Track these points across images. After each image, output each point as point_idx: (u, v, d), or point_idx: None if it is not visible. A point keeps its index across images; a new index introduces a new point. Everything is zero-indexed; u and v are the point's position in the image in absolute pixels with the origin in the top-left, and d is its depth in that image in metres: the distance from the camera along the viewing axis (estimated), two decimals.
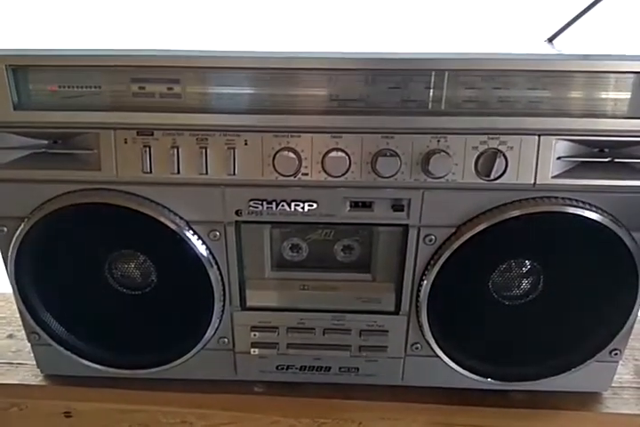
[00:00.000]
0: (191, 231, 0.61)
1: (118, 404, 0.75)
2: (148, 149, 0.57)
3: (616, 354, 0.67)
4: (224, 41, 0.65)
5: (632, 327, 0.65)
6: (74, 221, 0.61)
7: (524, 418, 0.72)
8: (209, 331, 0.66)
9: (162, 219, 0.60)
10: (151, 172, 0.58)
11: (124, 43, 0.61)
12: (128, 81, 0.56)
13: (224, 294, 0.65)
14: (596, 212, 0.59)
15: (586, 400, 0.72)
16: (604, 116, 0.56)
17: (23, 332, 0.70)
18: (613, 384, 0.72)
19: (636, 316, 0.64)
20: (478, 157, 0.57)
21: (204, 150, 0.57)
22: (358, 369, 0.70)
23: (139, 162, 0.58)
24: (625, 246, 0.60)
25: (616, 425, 0.72)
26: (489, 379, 0.69)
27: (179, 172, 0.58)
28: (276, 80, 0.56)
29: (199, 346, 0.67)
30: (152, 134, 0.57)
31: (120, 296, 0.67)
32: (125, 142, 0.57)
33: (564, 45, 0.63)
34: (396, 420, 0.74)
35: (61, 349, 0.68)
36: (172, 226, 0.60)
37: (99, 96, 0.56)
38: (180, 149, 0.57)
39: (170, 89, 0.56)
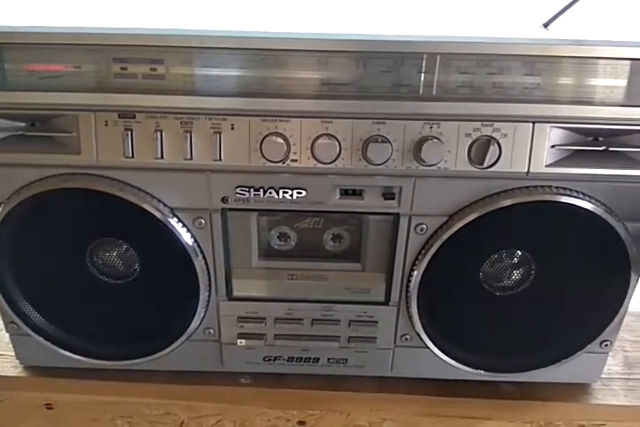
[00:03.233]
0: (175, 219, 0.59)
1: (101, 395, 0.73)
2: (129, 133, 0.55)
3: (606, 345, 0.67)
4: (211, 20, 0.62)
5: (623, 318, 0.65)
6: (53, 206, 0.59)
7: (513, 409, 0.72)
8: (194, 321, 0.65)
9: (145, 205, 0.58)
10: (133, 156, 0.56)
11: (106, 21, 0.58)
12: (109, 61, 0.53)
13: (210, 284, 0.63)
14: (590, 201, 0.58)
15: (575, 391, 0.71)
16: (600, 103, 0.55)
17: (1, 322, 0.68)
18: (602, 375, 0.71)
19: (627, 307, 0.64)
20: (471, 145, 0.56)
21: (188, 134, 0.55)
22: (347, 360, 0.69)
23: (120, 146, 0.56)
24: (617, 236, 0.59)
25: (605, 416, 0.72)
26: (479, 370, 0.68)
27: (162, 156, 0.56)
28: (264, 62, 0.54)
29: (184, 337, 0.66)
30: (134, 117, 0.55)
31: (102, 285, 0.65)
32: (106, 125, 0.55)
33: (560, 31, 0.62)
34: (385, 411, 0.73)
35: (41, 339, 0.66)
36: (156, 213, 0.58)
37: (78, 77, 0.54)
38: (163, 133, 0.55)
39: (153, 70, 0.54)
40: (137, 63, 0.53)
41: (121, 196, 0.57)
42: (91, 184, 0.57)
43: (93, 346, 0.67)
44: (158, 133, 0.55)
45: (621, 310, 0.64)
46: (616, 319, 0.64)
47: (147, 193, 0.58)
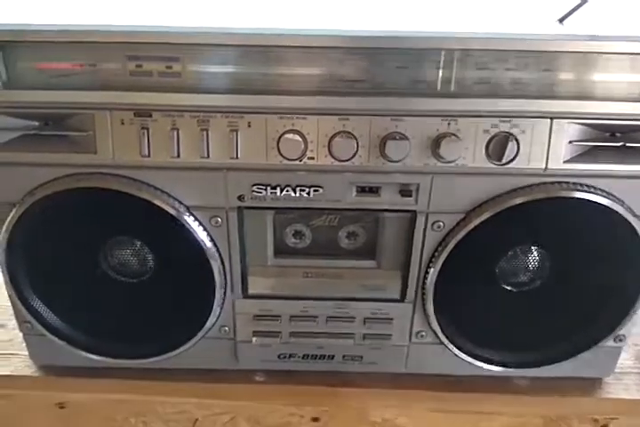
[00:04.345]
0: (192, 217, 0.59)
1: (114, 394, 0.73)
2: (146, 132, 0.55)
3: (620, 340, 0.67)
4: (228, 17, 0.61)
5: (637, 313, 0.65)
6: (68, 206, 0.58)
7: (526, 404, 0.72)
8: (210, 319, 0.65)
9: (161, 204, 0.57)
10: (150, 155, 0.56)
11: (120, 18, 0.57)
12: (124, 59, 0.53)
13: (225, 282, 0.63)
14: (607, 197, 0.58)
15: (588, 386, 0.72)
16: (617, 99, 0.55)
17: (15, 321, 0.68)
18: (616, 370, 0.71)
19: None
20: (489, 141, 0.56)
21: (205, 133, 0.55)
22: (362, 357, 0.69)
23: (136, 145, 0.55)
24: (634, 232, 0.59)
25: (617, 410, 0.72)
26: (493, 366, 0.68)
27: (179, 155, 0.56)
28: (282, 59, 0.53)
29: (200, 335, 0.66)
30: (150, 116, 0.54)
31: (117, 284, 0.65)
32: (122, 124, 0.55)
33: (575, 26, 0.61)
34: (398, 407, 0.73)
35: (55, 339, 0.66)
36: (172, 211, 0.58)
37: (93, 75, 0.53)
38: (180, 132, 0.55)
39: (169, 67, 0.53)
40: (152, 61, 0.53)
41: (138, 195, 0.57)
42: (107, 183, 0.56)
43: (108, 345, 0.67)
44: (175, 132, 0.55)
45: (636, 305, 0.64)
46: (631, 314, 0.64)
47: (163, 192, 0.58)
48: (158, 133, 0.55)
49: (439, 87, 0.55)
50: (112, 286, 0.64)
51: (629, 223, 0.58)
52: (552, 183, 0.57)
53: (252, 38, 0.52)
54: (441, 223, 0.60)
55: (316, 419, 0.75)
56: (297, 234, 0.64)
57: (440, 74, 0.54)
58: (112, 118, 0.55)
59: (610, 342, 0.67)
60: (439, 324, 0.65)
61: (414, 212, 0.60)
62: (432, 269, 0.62)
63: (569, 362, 0.67)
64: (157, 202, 0.57)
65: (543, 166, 0.57)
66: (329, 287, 0.65)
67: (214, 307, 0.64)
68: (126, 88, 0.54)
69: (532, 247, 0.63)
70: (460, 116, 0.55)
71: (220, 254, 0.61)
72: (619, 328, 0.65)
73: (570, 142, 0.56)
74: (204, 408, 0.74)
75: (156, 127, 0.55)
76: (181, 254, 0.61)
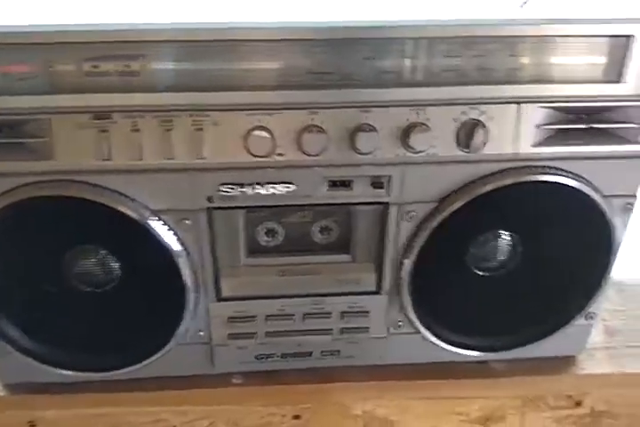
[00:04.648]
0: (159, 221, 0.56)
1: (87, 408, 0.70)
2: (105, 135, 0.52)
3: (591, 318, 0.69)
4: (185, 12, 0.59)
5: (606, 290, 0.67)
6: (29, 216, 0.55)
7: (503, 386, 0.73)
8: (183, 325, 0.62)
9: (125, 210, 0.55)
10: (111, 159, 0.53)
11: (73, 17, 0.54)
12: (79, 59, 0.50)
13: (197, 286, 0.61)
14: (576, 179, 0.58)
15: (562, 364, 0.73)
16: (581, 81, 0.55)
17: None
18: (587, 346, 0.73)
19: (609, 280, 0.66)
20: (459, 129, 0.56)
21: (169, 133, 0.52)
22: (340, 352, 0.69)
23: (97, 149, 0.52)
24: (601, 212, 0.60)
25: (590, 385, 0.75)
26: (470, 351, 0.68)
27: (142, 158, 0.53)
28: (244, 53, 0.51)
29: (173, 342, 0.63)
30: (110, 117, 0.51)
31: (84, 295, 0.61)
32: (80, 128, 0.52)
33: (537, 9, 0.61)
34: (379, 399, 0.74)
35: (21, 355, 0.62)
36: (137, 217, 0.55)
37: (47, 78, 0.50)
38: (141, 133, 0.52)
39: (127, 66, 0.50)
40: (109, 60, 0.50)
41: (100, 201, 0.54)
42: (67, 191, 0.53)
43: (77, 359, 0.64)
44: (136, 134, 0.52)
45: (604, 283, 0.65)
46: (600, 292, 0.66)
47: (127, 197, 0.55)
48: (119, 136, 0.52)
49: (406, 77, 0.54)
50: (78, 296, 0.61)
51: (597, 204, 0.59)
52: (522, 168, 0.58)
53: (212, 33, 0.50)
54: (414, 213, 0.59)
55: (297, 417, 0.74)
56: (269, 232, 0.63)
57: (406, 63, 0.53)
58: (69, 122, 0.51)
59: (581, 321, 0.68)
60: (416, 314, 0.65)
61: (387, 203, 0.59)
62: (406, 260, 0.61)
63: (543, 342, 0.69)
64: (121, 208, 0.54)
65: (512, 152, 0.57)
66: (304, 284, 0.64)
67: (187, 312, 0.61)
68: (83, 90, 0.51)
69: (505, 232, 0.64)
70: (429, 105, 0.54)
71: (190, 258, 0.59)
72: (589, 307, 0.67)
73: (537, 126, 0.56)
74: (181, 415, 0.72)
75: (116, 129, 0.52)
76: (150, 261, 0.58)
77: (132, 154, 0.53)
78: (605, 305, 0.83)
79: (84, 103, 0.51)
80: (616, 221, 0.61)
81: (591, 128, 0.57)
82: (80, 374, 0.65)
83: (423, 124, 0.55)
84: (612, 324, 0.80)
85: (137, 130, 0.52)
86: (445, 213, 0.58)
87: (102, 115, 0.51)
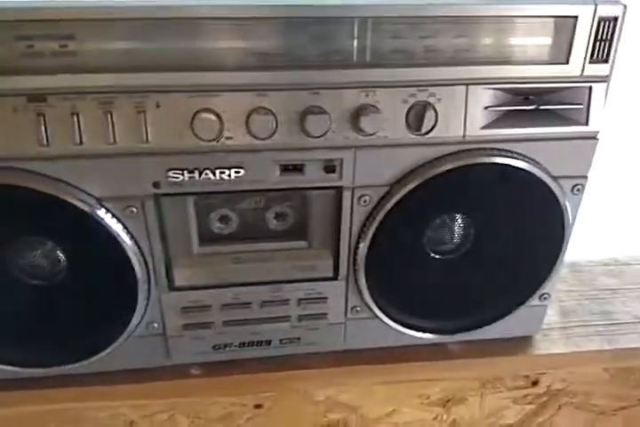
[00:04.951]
0: (103, 209, 0.55)
1: (41, 405, 0.68)
2: (42, 118, 0.50)
3: (545, 298, 0.70)
4: None
5: (559, 270, 0.68)
6: None
7: (461, 368, 0.74)
8: (135, 317, 0.61)
9: (67, 198, 0.52)
10: (49, 144, 0.51)
11: None
12: (11, 39, 0.47)
13: (148, 276, 0.60)
14: (524, 160, 0.59)
15: (518, 344, 0.74)
16: (527, 62, 0.56)
17: None
18: (543, 327, 0.75)
19: (563, 259, 0.67)
20: (408, 111, 0.55)
21: (109, 116, 0.50)
22: (300, 339, 0.68)
23: (33, 134, 0.50)
24: (552, 193, 0.61)
25: (547, 365, 0.76)
26: (427, 334, 0.69)
27: (82, 142, 0.51)
28: (189, 33, 0.49)
29: (125, 334, 0.62)
30: (45, 100, 0.49)
31: (30, 288, 0.59)
32: (15, 111, 0.49)
33: None
34: (341, 384, 0.73)
35: None
36: (80, 205, 0.53)
37: None
38: (80, 116, 0.50)
39: (63, 46, 0.48)
40: (44, 40, 0.47)
41: (39, 189, 0.52)
42: (4, 179, 0.51)
43: (27, 354, 0.62)
44: (75, 117, 0.50)
45: (558, 264, 0.66)
46: (553, 273, 0.67)
47: (68, 184, 0.53)
48: (56, 120, 0.50)
49: (355, 58, 0.53)
50: (24, 290, 0.59)
51: (547, 185, 0.60)
52: (472, 150, 0.58)
53: (154, 11, 0.48)
54: (367, 197, 0.59)
55: (259, 406, 0.74)
56: (222, 219, 0.62)
57: (355, 44, 0.53)
58: (2, 106, 0.49)
59: (535, 301, 0.69)
60: (373, 298, 0.65)
61: (340, 187, 0.58)
62: (362, 244, 0.61)
63: (498, 324, 0.69)
64: (62, 196, 0.52)
65: (462, 134, 0.57)
66: (260, 271, 0.63)
67: (138, 304, 0.60)
68: (16, 72, 0.48)
69: (457, 215, 0.64)
70: (378, 86, 0.54)
71: (139, 247, 0.58)
72: (542, 288, 0.68)
73: (485, 108, 0.57)
74: (140, 409, 0.71)
75: (53, 113, 0.50)
76: (96, 251, 0.56)
77: (70, 139, 0.51)
78: (561, 286, 0.85)
79: (18, 85, 0.48)
80: (566, 202, 0.62)
81: (539, 109, 0.57)
82: (29, 370, 0.62)
83: (373, 106, 0.54)
84: (568, 304, 0.82)
85: (75, 113, 0.50)
86: (397, 197, 0.58)
87: (37, 97, 0.49)
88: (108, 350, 0.63)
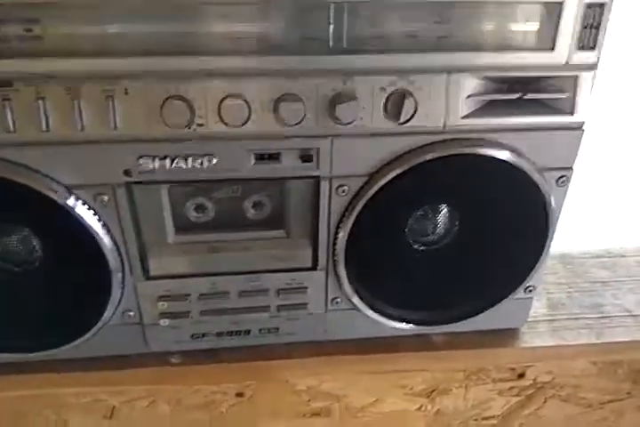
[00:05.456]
0: (73, 198, 0.54)
1: (23, 390, 0.68)
2: (7, 103, 0.49)
3: (530, 291, 0.68)
4: None
5: (544, 263, 0.66)
6: None
7: (445, 359, 0.73)
8: (110, 305, 0.60)
9: (35, 185, 0.52)
10: (15, 130, 0.50)
11: None
12: None
13: (122, 265, 0.59)
14: (506, 151, 0.57)
15: (504, 337, 0.73)
16: (513, 49, 0.54)
17: None
18: (529, 319, 0.73)
19: (548, 252, 0.65)
20: (387, 100, 0.54)
21: (76, 102, 0.49)
22: (279, 329, 0.67)
23: None
24: (535, 185, 0.59)
25: (532, 358, 0.75)
26: (410, 325, 0.68)
27: (48, 128, 0.50)
28: (154, 15, 0.48)
29: (101, 322, 0.61)
30: (11, 85, 0.48)
31: (6, 274, 0.59)
32: None
33: None
34: (323, 374, 0.73)
35: None
36: (49, 193, 0.52)
37: None
38: (46, 101, 0.49)
39: (28, 31, 0.47)
40: (9, 23, 0.46)
41: (7, 177, 0.51)
42: None
43: (4, 339, 0.62)
44: (41, 102, 0.49)
45: (543, 256, 0.65)
46: (538, 265, 0.66)
47: (36, 171, 0.52)
48: (23, 105, 0.49)
49: (331, 44, 0.51)
50: (1, 275, 0.59)
51: (531, 177, 0.58)
52: (453, 140, 0.56)
53: None
54: (345, 187, 0.58)
55: (240, 394, 0.74)
56: (199, 208, 0.61)
57: (331, 29, 0.51)
58: None
59: (520, 294, 0.68)
60: (353, 289, 0.64)
61: (317, 177, 0.57)
62: (340, 235, 0.60)
63: (483, 315, 0.68)
64: (30, 183, 0.52)
65: (442, 123, 0.55)
66: (238, 261, 0.62)
67: (113, 292, 0.59)
68: None
69: (438, 206, 0.62)
70: (355, 74, 0.52)
71: (112, 236, 0.57)
72: (527, 280, 0.67)
73: (468, 97, 0.55)
74: (120, 395, 0.71)
75: (18, 98, 0.49)
76: (68, 239, 0.56)
77: (37, 125, 0.50)
78: (551, 278, 0.83)
79: None
80: (551, 193, 0.60)
81: (523, 98, 0.55)
82: (6, 355, 0.62)
83: (350, 94, 0.53)
84: (557, 297, 0.81)
85: (41, 98, 0.49)
86: (376, 188, 0.57)
87: (3, 82, 0.48)
88: (86, 337, 0.62)
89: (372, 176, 0.57)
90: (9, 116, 0.49)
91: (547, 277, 0.82)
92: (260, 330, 0.67)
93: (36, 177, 0.52)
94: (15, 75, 0.48)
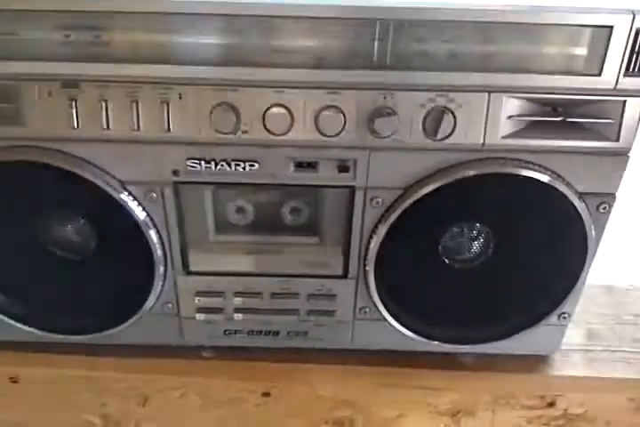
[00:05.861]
0: (126, 192, 0.58)
1: (66, 369, 0.73)
2: (74, 103, 0.53)
3: (564, 318, 0.67)
4: None
5: (580, 291, 0.65)
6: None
7: (472, 381, 0.72)
8: (151, 296, 0.64)
9: (92, 178, 0.56)
10: (79, 127, 0.54)
11: None
12: (51, 27, 0.51)
13: (165, 259, 0.63)
14: (546, 173, 0.57)
15: (534, 363, 0.72)
16: (558, 72, 0.54)
17: None
18: (564, 347, 0.72)
19: (585, 279, 0.64)
20: (426, 116, 0.55)
21: (134, 104, 0.54)
22: (307, 333, 0.69)
23: (65, 117, 0.54)
24: (574, 209, 0.58)
25: (564, 387, 0.73)
26: (436, 342, 0.68)
27: (109, 127, 0.55)
28: (213, 29, 0.52)
29: (142, 311, 0.65)
30: (78, 86, 0.53)
31: (58, 260, 0.64)
32: (49, 95, 0.53)
33: None
34: (346, 382, 0.74)
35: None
36: (104, 186, 0.57)
37: (18, 44, 0.52)
38: (108, 103, 0.54)
39: (97, 37, 0.52)
40: (80, 30, 0.51)
41: (68, 168, 0.56)
42: (35, 156, 0.55)
43: (51, 320, 0.67)
44: (103, 103, 0.54)
45: (579, 282, 0.64)
46: (574, 292, 0.64)
47: (95, 165, 0.57)
48: (87, 105, 0.54)
49: (375, 60, 0.53)
50: (53, 261, 0.64)
51: (570, 201, 0.58)
52: (490, 159, 0.57)
53: (184, 6, 0.50)
54: (379, 199, 0.59)
55: (266, 394, 0.75)
56: (239, 210, 0.64)
57: (376, 46, 0.53)
58: (39, 90, 0.53)
59: (554, 320, 0.67)
60: (382, 300, 0.65)
61: (353, 187, 0.59)
62: (372, 246, 0.61)
63: (513, 339, 0.68)
64: (88, 176, 0.56)
65: (481, 142, 0.56)
66: (272, 264, 0.65)
67: (155, 283, 0.63)
68: (52, 58, 0.52)
69: (473, 224, 0.63)
70: (396, 89, 0.54)
71: (157, 231, 0.61)
72: (562, 306, 0.66)
73: (509, 117, 0.55)
74: (154, 384, 0.74)
75: (84, 98, 0.54)
76: (118, 230, 0.60)
77: (99, 123, 0.54)
78: (593, 308, 0.81)
79: (53, 71, 0.52)
80: (591, 219, 0.59)
81: (566, 121, 0.55)
82: (51, 335, 0.67)
83: (389, 108, 0.54)
84: (596, 327, 0.78)
85: (104, 100, 0.53)
86: (410, 201, 0.58)
87: (71, 83, 0.53)
88: (127, 324, 0.66)
89: (407, 190, 0.58)
90: (74, 115, 0.54)
91: (588, 307, 0.79)
92: (289, 333, 0.69)
93: (95, 171, 0.57)
94: (82, 77, 0.53)
